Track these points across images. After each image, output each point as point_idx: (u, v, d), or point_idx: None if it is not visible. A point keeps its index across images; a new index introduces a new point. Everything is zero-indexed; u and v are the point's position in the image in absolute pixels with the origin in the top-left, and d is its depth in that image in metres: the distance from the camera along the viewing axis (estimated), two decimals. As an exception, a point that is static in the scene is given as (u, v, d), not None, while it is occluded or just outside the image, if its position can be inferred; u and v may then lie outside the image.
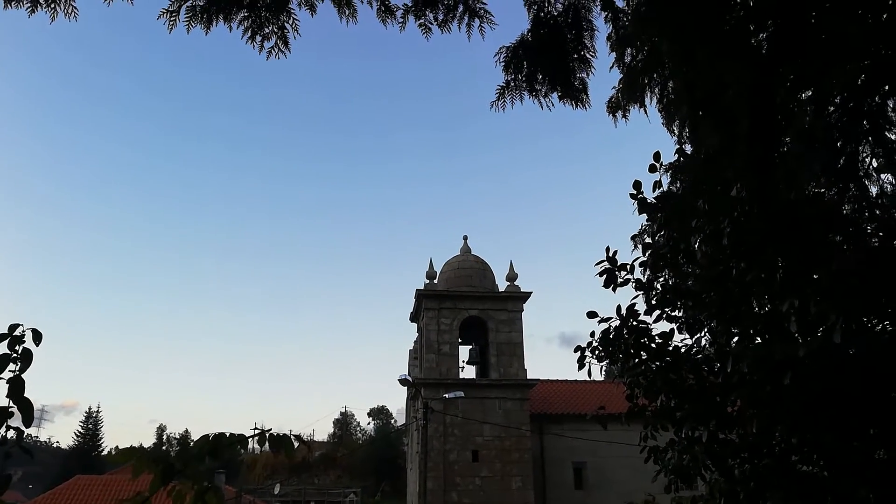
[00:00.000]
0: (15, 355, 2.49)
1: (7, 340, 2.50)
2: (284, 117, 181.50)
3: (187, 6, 4.76)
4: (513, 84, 5.93)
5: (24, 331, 2.53)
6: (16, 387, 2.44)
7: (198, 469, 1.76)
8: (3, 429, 2.40)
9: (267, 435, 1.81)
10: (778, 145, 6.43)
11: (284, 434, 1.84)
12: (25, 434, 2.49)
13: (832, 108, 6.54)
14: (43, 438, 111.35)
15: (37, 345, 2.56)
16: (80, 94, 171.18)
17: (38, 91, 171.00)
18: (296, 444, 1.83)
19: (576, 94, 6.23)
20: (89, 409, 78.30)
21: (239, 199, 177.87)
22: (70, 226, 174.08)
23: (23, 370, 2.49)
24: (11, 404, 2.42)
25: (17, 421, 2.43)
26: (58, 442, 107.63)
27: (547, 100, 6.06)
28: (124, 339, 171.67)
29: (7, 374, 2.46)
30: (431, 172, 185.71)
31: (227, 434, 1.80)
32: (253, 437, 1.81)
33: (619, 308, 4.61)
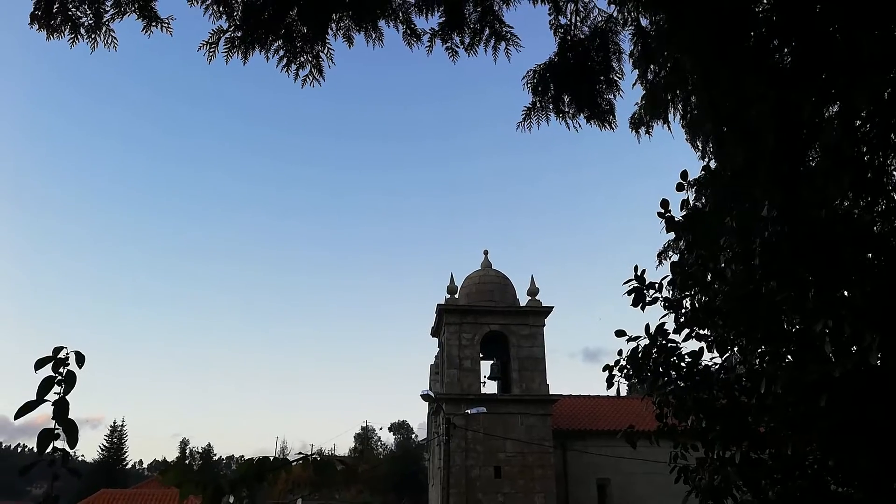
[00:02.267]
0: (59, 377, 2.53)
1: (51, 363, 2.55)
2: (304, 126, 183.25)
3: (226, 38, 4.88)
4: (539, 105, 5.95)
5: (67, 353, 2.58)
6: (61, 409, 2.49)
7: (243, 492, 1.79)
8: (50, 449, 2.44)
9: (311, 459, 1.83)
10: (804, 161, 6.37)
11: (328, 458, 1.86)
12: (53, 448, 2.53)
13: (859, 123, 6.47)
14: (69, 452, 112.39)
15: (80, 367, 2.60)
16: (116, 106, 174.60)
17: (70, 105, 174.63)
18: (339, 468, 1.85)
19: (603, 115, 6.23)
20: (114, 423, 79.21)
21: (259, 209, 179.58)
22: (95, 239, 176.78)
23: (67, 392, 2.53)
24: (57, 426, 2.46)
25: (62, 442, 2.48)
26: (83, 455, 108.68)
27: (574, 121, 6.07)
28: (148, 355, 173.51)
29: (52, 397, 2.50)
30: (453, 186, 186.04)
31: (272, 458, 1.83)
32: (297, 461, 1.84)
33: (647, 327, 4.60)
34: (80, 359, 2.65)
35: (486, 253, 31.94)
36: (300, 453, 1.77)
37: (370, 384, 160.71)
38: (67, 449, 2.46)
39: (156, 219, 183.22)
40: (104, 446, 75.84)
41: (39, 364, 2.54)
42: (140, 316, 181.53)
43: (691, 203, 8.10)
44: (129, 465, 76.41)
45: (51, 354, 2.58)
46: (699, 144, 8.97)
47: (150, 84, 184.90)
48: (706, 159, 8.89)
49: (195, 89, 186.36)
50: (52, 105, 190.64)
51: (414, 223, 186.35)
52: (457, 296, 29.41)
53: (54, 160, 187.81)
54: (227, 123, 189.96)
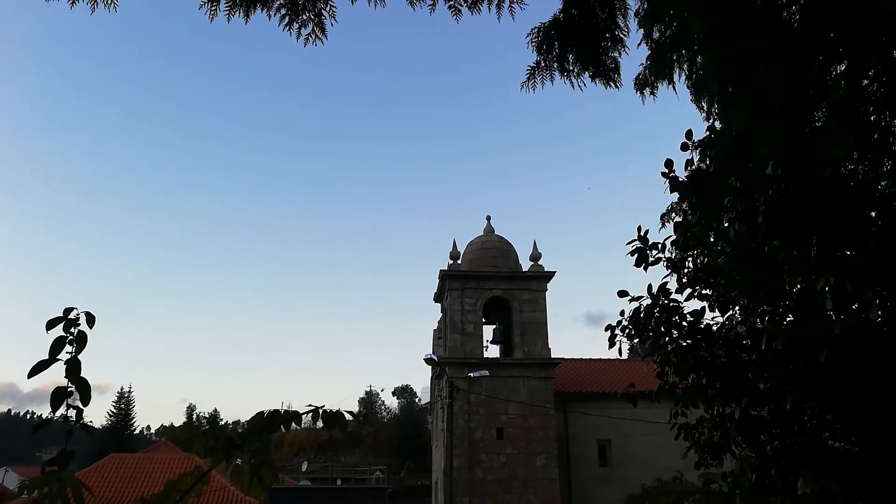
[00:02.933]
0: (70, 337, 2.57)
1: (62, 324, 2.58)
2: (301, 93, 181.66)
3: (226, -2, 4.79)
4: (543, 64, 5.87)
5: (78, 314, 2.61)
6: (73, 368, 2.53)
7: (255, 444, 1.83)
8: (64, 408, 2.49)
9: (321, 412, 1.87)
10: (811, 121, 6.32)
11: (338, 410, 1.90)
12: (62, 414, 2.58)
13: (866, 82, 6.40)
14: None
15: (90, 327, 2.64)
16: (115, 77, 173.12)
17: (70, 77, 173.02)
18: (349, 419, 1.89)
19: (608, 73, 6.15)
20: (121, 389, 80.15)
21: (264, 179, 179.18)
22: (103, 207, 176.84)
23: (78, 352, 2.57)
24: (70, 384, 2.51)
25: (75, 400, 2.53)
26: (92, 421, 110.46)
27: (579, 80, 6.00)
28: (155, 322, 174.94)
29: (64, 356, 2.54)
30: (456, 152, 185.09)
31: (282, 411, 1.87)
32: (307, 413, 1.88)
33: (650, 287, 4.62)
34: (91, 319, 2.68)
35: (488, 219, 31.94)
36: (310, 405, 1.82)
37: (374, 350, 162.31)
38: (80, 406, 2.50)
39: (161, 185, 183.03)
40: (112, 412, 76.94)
41: (51, 324, 2.58)
42: (147, 283, 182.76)
43: (695, 164, 8.07)
44: (136, 431, 77.65)
45: (61, 315, 2.62)
46: (704, 105, 8.88)
47: (157, 49, 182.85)
48: (711, 120, 8.82)
49: (213, 62, 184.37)
50: (57, 70, 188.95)
51: (418, 190, 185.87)
52: (459, 261, 29.50)
53: (63, 126, 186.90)
54: (222, 90, 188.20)
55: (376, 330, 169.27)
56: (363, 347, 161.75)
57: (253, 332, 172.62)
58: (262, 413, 1.88)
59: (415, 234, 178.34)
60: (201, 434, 1.86)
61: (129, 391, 79.62)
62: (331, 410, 1.89)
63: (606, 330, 4.80)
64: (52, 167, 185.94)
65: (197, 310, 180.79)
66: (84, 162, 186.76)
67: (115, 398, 79.25)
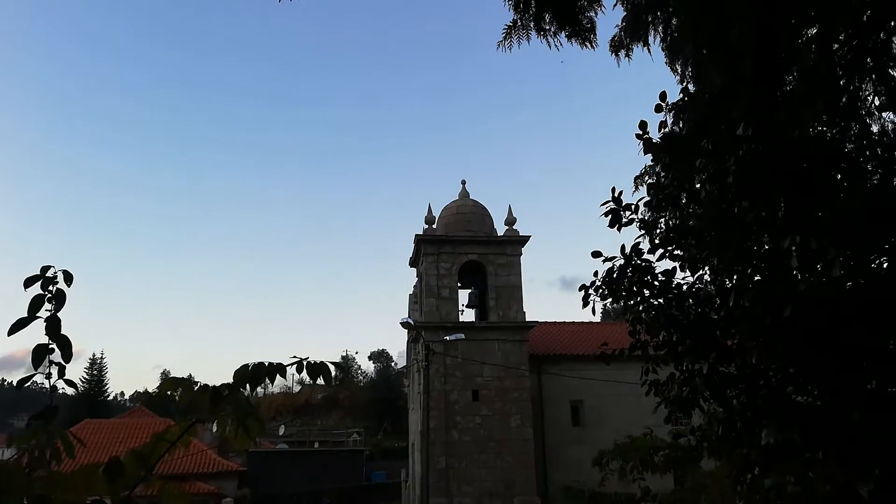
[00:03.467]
0: (49, 295, 2.57)
1: (40, 282, 2.58)
2: (277, 56, 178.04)
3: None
4: (520, 23, 5.85)
5: (55, 272, 2.61)
6: (53, 325, 2.54)
7: (239, 397, 1.87)
8: (46, 364, 2.50)
9: (305, 363, 1.92)
10: (782, 84, 6.41)
11: (322, 361, 1.95)
12: (33, 381, 2.58)
13: (836, 46, 6.50)
14: (49, 384, 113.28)
15: (68, 285, 2.64)
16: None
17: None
18: (333, 371, 1.95)
19: (584, 33, 6.15)
20: (93, 355, 79.43)
21: (233, 146, 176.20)
22: (76, 174, 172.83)
23: (58, 309, 2.57)
24: (51, 342, 2.52)
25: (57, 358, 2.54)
26: (64, 388, 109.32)
27: (555, 39, 5.99)
28: (126, 288, 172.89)
29: (44, 314, 2.55)
30: (429, 115, 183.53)
31: (266, 363, 1.91)
32: (291, 364, 1.92)
33: (623, 247, 4.72)
34: (69, 277, 2.68)
35: (463, 183, 31.93)
36: (294, 356, 1.87)
37: (350, 315, 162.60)
38: (62, 362, 2.52)
39: (139, 153, 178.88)
40: (85, 378, 76.41)
41: (28, 282, 2.57)
42: (118, 249, 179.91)
43: (669, 126, 8.16)
44: (110, 397, 77.26)
45: (39, 273, 2.61)
46: (678, 68, 8.93)
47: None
48: (685, 83, 8.88)
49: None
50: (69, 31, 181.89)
51: (393, 154, 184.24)
52: (434, 226, 29.54)
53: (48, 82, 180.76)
54: (195, 53, 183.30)
55: (352, 295, 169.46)
56: (339, 312, 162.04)
57: (226, 297, 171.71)
58: (246, 365, 1.92)
59: (390, 199, 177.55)
60: (187, 386, 1.90)
61: (102, 357, 79.09)
62: (314, 362, 1.94)
63: (580, 290, 4.90)
64: (25, 134, 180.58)
65: (169, 275, 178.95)
66: (56, 127, 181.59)
67: (88, 364, 78.69)
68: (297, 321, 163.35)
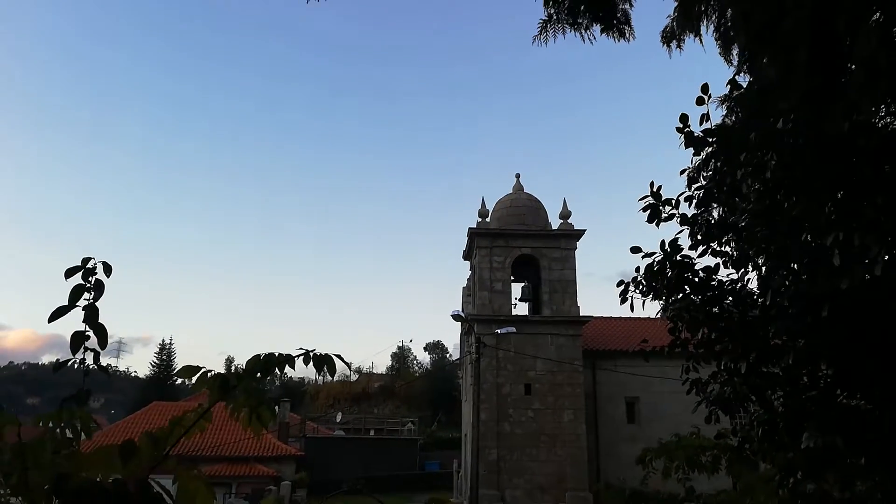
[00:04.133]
0: (88, 285, 2.69)
1: (81, 272, 2.70)
2: (333, 52, 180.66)
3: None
4: (555, 17, 5.76)
5: (95, 263, 2.72)
6: (91, 313, 2.66)
7: (250, 384, 1.93)
8: (82, 351, 2.63)
9: (311, 355, 1.97)
10: (840, 74, 6.10)
11: (326, 354, 1.99)
12: (108, 364, 2.73)
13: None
14: (122, 368, 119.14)
15: (107, 276, 2.76)
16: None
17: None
18: (337, 364, 1.99)
19: (618, 26, 6.00)
20: (163, 341, 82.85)
21: (302, 137, 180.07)
22: (149, 164, 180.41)
23: (96, 299, 2.69)
24: (88, 329, 2.64)
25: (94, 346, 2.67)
26: (135, 372, 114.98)
27: (588, 33, 5.87)
28: (197, 276, 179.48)
29: (83, 303, 2.67)
30: (486, 111, 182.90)
31: (276, 354, 1.97)
32: (299, 356, 1.97)
33: (662, 243, 4.60)
34: (108, 268, 2.79)
35: (517, 176, 31.71)
36: (292, 343, 1.92)
37: (406, 305, 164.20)
38: (98, 349, 2.63)
39: (210, 142, 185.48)
40: (154, 363, 79.76)
41: (69, 273, 2.70)
42: (190, 239, 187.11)
43: (719, 119, 7.87)
44: (178, 382, 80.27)
45: (80, 264, 2.73)
46: (733, 59, 8.63)
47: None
48: (743, 74, 8.56)
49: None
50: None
51: (449, 148, 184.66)
52: (488, 219, 29.46)
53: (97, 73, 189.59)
54: (238, 38, 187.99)
55: (410, 287, 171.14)
56: (396, 303, 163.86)
57: (291, 288, 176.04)
58: (258, 356, 1.98)
59: (447, 192, 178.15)
60: (200, 375, 1.97)
61: (171, 343, 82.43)
62: (321, 354, 1.98)
63: (618, 286, 4.82)
64: (102, 122, 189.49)
65: (239, 265, 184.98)
66: (129, 114, 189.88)
67: (157, 350, 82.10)
68: (358, 311, 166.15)
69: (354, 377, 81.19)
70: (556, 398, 26.88)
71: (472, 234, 28.95)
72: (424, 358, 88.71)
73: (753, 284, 4.53)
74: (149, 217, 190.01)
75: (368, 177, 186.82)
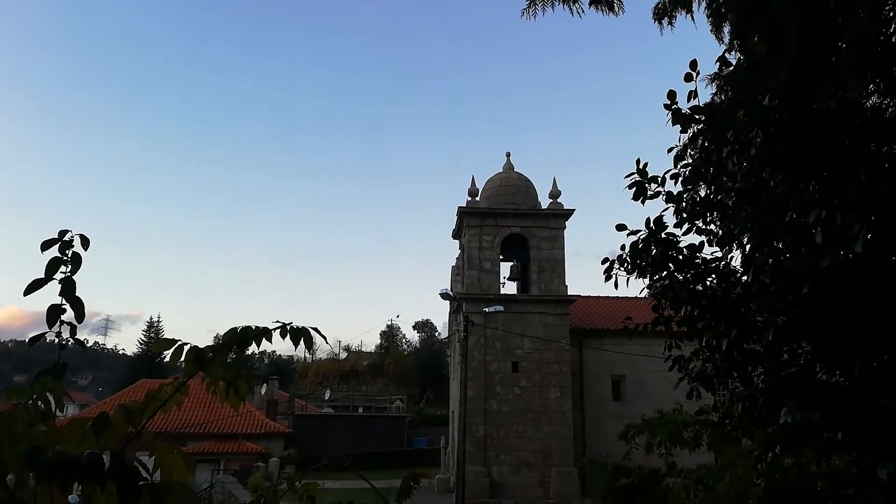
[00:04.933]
0: (65, 258, 2.65)
1: (57, 245, 2.66)
2: (327, 29, 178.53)
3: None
4: (543, -10, 5.70)
5: (72, 236, 2.68)
6: (68, 286, 2.63)
7: (226, 357, 1.92)
8: (59, 325, 2.59)
9: (288, 328, 1.95)
10: (830, 52, 6.09)
11: (303, 327, 1.98)
12: (95, 342, 2.67)
13: (888, 7, 6.12)
14: (110, 346, 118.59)
15: (85, 249, 2.72)
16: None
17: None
18: (315, 337, 1.98)
19: (607, 0, 5.95)
20: (150, 318, 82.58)
21: (291, 122, 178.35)
22: (131, 140, 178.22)
23: (73, 272, 2.65)
24: (64, 303, 2.61)
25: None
26: (123, 349, 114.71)
27: (577, 6, 5.81)
28: (184, 253, 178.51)
29: (59, 276, 2.63)
30: (475, 89, 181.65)
31: (253, 327, 1.95)
32: (276, 329, 1.96)
33: (647, 220, 4.60)
34: (85, 242, 2.75)
35: (508, 155, 31.61)
36: (278, 320, 1.91)
37: (396, 285, 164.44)
38: (74, 323, 2.60)
39: (194, 122, 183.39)
40: (142, 341, 79.57)
41: (45, 245, 2.65)
42: (175, 217, 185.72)
43: (710, 97, 7.85)
44: (167, 359, 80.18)
45: (56, 237, 2.68)
46: (724, 36, 8.59)
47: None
48: (733, 52, 8.53)
49: None
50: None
51: (438, 125, 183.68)
52: (478, 198, 29.41)
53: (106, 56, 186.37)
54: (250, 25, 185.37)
55: (399, 266, 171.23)
56: (386, 282, 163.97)
57: (279, 266, 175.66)
58: (235, 329, 1.97)
59: (435, 170, 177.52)
60: (175, 348, 1.96)
61: (158, 321, 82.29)
62: (298, 327, 1.97)
63: (602, 263, 4.82)
64: (97, 110, 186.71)
65: (226, 243, 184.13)
66: (116, 91, 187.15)
67: (145, 327, 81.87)
68: (347, 289, 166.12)
69: (343, 355, 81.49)
70: (542, 376, 27.11)
71: (462, 213, 28.93)
72: (413, 336, 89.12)
73: (737, 262, 4.55)
74: (137, 194, 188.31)
75: (357, 155, 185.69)
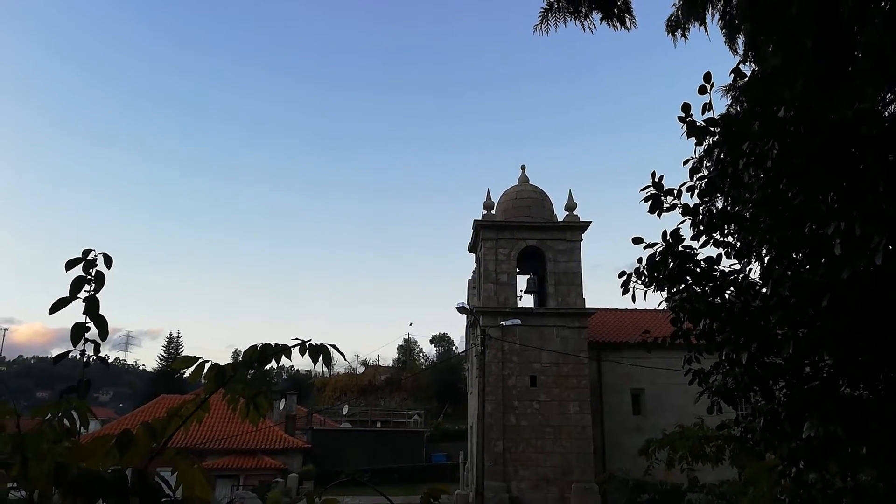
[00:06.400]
0: (89, 277, 2.69)
1: (81, 264, 2.71)
2: (342, 45, 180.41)
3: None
4: (556, 6, 5.73)
5: (95, 255, 2.73)
6: (91, 305, 2.67)
7: (247, 374, 1.95)
8: (83, 343, 2.63)
9: (307, 345, 1.98)
10: (845, 62, 6.06)
11: (322, 344, 2.00)
12: (116, 358, 2.72)
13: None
14: (130, 362, 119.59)
15: (108, 268, 2.77)
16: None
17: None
18: (334, 354, 2.00)
19: (618, 14, 5.97)
20: (170, 334, 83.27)
21: (307, 132, 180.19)
22: (157, 161, 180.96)
23: (97, 290, 2.70)
24: (88, 321, 2.65)
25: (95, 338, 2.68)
26: (143, 365, 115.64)
27: (588, 21, 5.84)
28: (203, 269, 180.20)
29: (83, 295, 2.68)
30: (491, 105, 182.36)
31: (273, 344, 1.98)
32: (294, 346, 1.98)
33: (664, 233, 4.59)
34: (108, 260, 2.79)
35: (523, 168, 31.63)
36: (297, 337, 1.93)
37: (413, 299, 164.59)
38: (98, 341, 2.64)
39: (216, 139, 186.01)
40: (162, 356, 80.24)
41: (70, 265, 2.70)
42: (195, 234, 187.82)
43: (724, 109, 7.82)
44: (186, 374, 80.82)
45: (80, 256, 2.73)
46: (738, 48, 8.57)
47: None
48: (748, 63, 8.51)
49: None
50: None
51: (453, 140, 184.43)
52: (493, 211, 29.43)
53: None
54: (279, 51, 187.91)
55: (416, 279, 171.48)
56: (402, 295, 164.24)
57: (300, 282, 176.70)
58: (255, 346, 1.99)
59: (451, 183, 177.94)
60: (196, 366, 1.98)
61: (178, 336, 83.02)
62: (317, 344, 1.99)
63: (619, 276, 4.81)
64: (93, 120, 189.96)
65: (248, 260, 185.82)
66: (131, 110, 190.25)
67: (165, 343, 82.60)
68: (364, 303, 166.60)
69: (361, 370, 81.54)
70: (561, 390, 26.91)
71: (478, 226, 28.94)
72: (431, 350, 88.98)
73: (755, 275, 4.51)
74: (158, 213, 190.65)
75: (376, 172, 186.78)
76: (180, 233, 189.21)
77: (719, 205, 4.85)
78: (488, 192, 29.66)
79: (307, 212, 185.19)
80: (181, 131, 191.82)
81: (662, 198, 4.60)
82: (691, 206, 4.59)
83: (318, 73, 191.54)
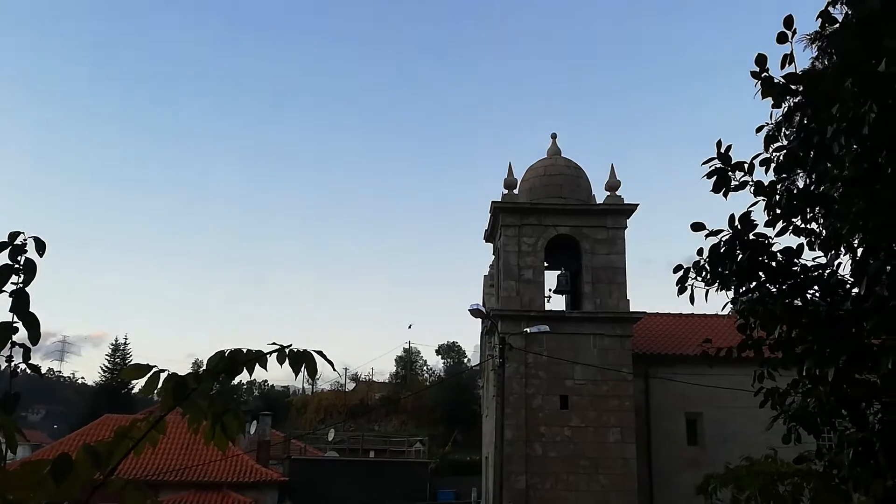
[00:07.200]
0: (17, 266, 2.70)
1: (7, 250, 2.71)
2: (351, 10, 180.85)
3: None
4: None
5: (25, 240, 2.72)
6: (20, 300, 2.68)
7: (211, 388, 1.95)
8: (9, 347, 2.64)
9: (287, 351, 1.97)
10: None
11: (305, 350, 2.00)
12: (49, 368, 2.74)
13: None
14: (67, 373, 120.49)
15: (40, 255, 2.77)
16: None
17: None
18: (320, 362, 1.99)
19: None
20: (116, 340, 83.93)
21: (294, 116, 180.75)
22: (105, 147, 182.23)
23: (27, 283, 2.70)
24: (16, 319, 2.66)
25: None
26: (83, 378, 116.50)
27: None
28: (159, 266, 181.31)
29: (10, 288, 2.69)
30: (517, 63, 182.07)
31: (244, 350, 1.97)
32: (272, 353, 1.98)
33: (731, 218, 4.57)
34: (41, 246, 2.79)
35: (554, 137, 31.52)
36: (273, 342, 1.91)
37: (414, 299, 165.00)
38: (28, 345, 2.65)
39: (161, 122, 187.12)
40: (106, 367, 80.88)
41: (-7, 251, 2.70)
42: (147, 224, 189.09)
43: (808, 63, 7.76)
44: (135, 389, 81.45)
45: (6, 241, 2.72)
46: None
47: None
48: (838, 5, 8.43)
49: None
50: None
51: (466, 101, 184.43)
52: (517, 191, 29.38)
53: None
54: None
55: (417, 277, 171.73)
56: (403, 297, 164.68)
57: (277, 280, 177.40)
58: (223, 352, 1.99)
59: (463, 159, 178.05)
60: (150, 376, 1.99)
61: (126, 343, 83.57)
62: (298, 350, 1.99)
63: (675, 272, 4.80)
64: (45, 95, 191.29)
65: (208, 252, 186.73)
66: (81, 92, 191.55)
67: (110, 351, 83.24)
68: (354, 307, 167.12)
69: (351, 386, 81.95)
70: (599, 413, 26.93)
71: (497, 209, 28.90)
72: (437, 363, 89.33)
73: (845, 270, 4.49)
74: (97, 195, 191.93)
75: (374, 142, 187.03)
76: (131, 220, 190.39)
77: (801, 183, 4.83)
78: (510, 166, 29.58)
79: (284, 199, 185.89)
80: (125, 93, 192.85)
81: (730, 173, 4.57)
82: (766, 184, 4.57)
83: (308, 56, 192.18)
